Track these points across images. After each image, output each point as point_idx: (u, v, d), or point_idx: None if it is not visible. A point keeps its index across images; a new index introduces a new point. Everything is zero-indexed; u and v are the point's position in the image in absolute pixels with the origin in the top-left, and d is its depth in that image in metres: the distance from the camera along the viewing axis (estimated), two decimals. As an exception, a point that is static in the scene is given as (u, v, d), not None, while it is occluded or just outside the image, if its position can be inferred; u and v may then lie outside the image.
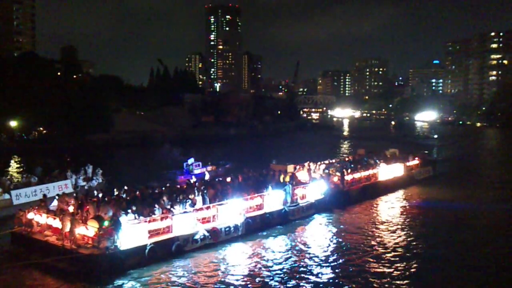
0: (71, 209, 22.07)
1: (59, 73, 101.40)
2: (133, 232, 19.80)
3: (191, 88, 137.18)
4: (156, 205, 21.60)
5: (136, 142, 77.88)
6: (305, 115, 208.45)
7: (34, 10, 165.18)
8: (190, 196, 23.10)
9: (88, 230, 19.56)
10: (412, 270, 20.50)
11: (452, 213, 31.23)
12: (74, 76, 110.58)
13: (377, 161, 40.26)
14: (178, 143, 72.05)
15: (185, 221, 21.79)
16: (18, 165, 55.44)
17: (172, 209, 21.98)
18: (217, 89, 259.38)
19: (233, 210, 24.21)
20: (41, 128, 78.43)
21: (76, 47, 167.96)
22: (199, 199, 23.33)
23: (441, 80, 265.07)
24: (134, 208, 21.15)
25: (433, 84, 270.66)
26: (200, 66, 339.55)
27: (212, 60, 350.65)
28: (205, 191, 24.42)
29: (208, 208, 23.34)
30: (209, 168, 41.91)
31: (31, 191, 27.96)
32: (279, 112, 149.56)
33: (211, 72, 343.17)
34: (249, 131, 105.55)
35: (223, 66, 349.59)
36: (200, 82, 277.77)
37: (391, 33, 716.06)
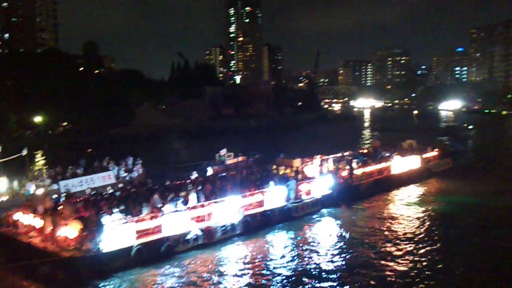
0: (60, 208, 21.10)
1: (81, 68, 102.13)
2: (118, 233, 18.67)
3: (212, 81, 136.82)
4: (144, 204, 20.36)
5: (156, 135, 77.40)
6: (326, 106, 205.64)
7: (56, 7, 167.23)
8: (181, 194, 21.79)
9: (70, 231, 18.48)
10: (428, 271, 18.94)
11: (471, 208, 29.23)
12: (96, 71, 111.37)
13: (392, 153, 38.42)
14: (197, 135, 72.00)
15: (175, 220, 20.55)
16: (44, 160, 55.41)
17: (162, 207, 20.75)
18: (238, 81, 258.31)
19: (229, 208, 22.88)
20: (65, 123, 79.11)
21: (98, 42, 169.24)
22: (192, 196, 21.99)
23: (465, 68, 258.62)
24: (122, 207, 20.01)
25: (457, 72, 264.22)
26: (220, 58, 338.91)
27: (233, 52, 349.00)
28: (199, 188, 23.11)
29: (202, 206, 22.04)
30: (240, 158, 41.55)
31: (77, 182, 29.00)
32: (299, 103, 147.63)
33: (232, 64, 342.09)
34: (269, 122, 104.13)
35: (243, 58, 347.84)
36: (221, 75, 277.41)
37: (413, 21, 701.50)
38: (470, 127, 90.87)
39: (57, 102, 73.55)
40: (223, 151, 40.52)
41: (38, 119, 75.21)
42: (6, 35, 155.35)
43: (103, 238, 18.13)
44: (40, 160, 55.19)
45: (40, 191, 27.18)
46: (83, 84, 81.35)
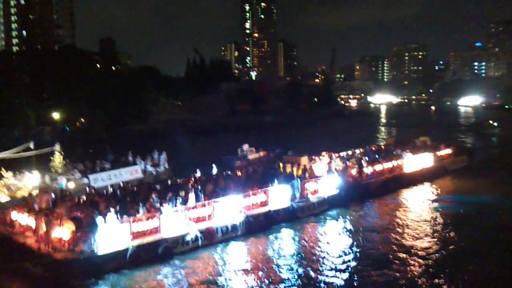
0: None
1: (98, 65, 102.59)
2: (113, 234, 18.08)
3: (227, 77, 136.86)
4: (141, 204, 19.73)
5: (172, 131, 77.03)
6: (342, 101, 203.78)
7: (73, 4, 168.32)
8: (180, 193, 21.10)
9: (64, 232, 17.94)
10: (439, 276, 18.01)
11: (486, 208, 28.04)
12: (113, 68, 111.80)
13: (404, 151, 37.24)
14: (210, 131, 71.67)
15: (174, 220, 19.91)
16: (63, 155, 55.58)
17: (160, 207, 20.10)
18: (253, 77, 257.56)
19: (231, 208, 22.15)
20: (82, 120, 79.47)
21: (114, 39, 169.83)
22: (192, 196, 21.30)
23: (483, 63, 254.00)
24: (119, 207, 19.43)
25: (475, 67, 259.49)
26: (236, 54, 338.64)
27: (248, 48, 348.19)
28: (199, 187, 22.42)
29: (202, 206, 21.34)
30: (261, 153, 41.52)
31: (106, 176, 29.61)
32: (315, 99, 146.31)
33: (247, 60, 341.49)
34: (285, 119, 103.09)
35: (258, 54, 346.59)
36: (236, 71, 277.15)
37: (430, 16, 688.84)
38: (495, 124, 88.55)
39: (74, 99, 73.88)
40: (245, 146, 40.98)
41: (56, 115, 75.60)
42: (24, 32, 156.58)
43: (98, 239, 17.56)
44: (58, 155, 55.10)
45: (71, 185, 27.75)
46: (100, 80, 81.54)
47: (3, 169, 27.65)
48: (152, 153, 35.17)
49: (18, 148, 29.31)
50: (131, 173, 30.88)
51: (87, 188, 24.27)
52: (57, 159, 29.56)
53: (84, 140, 64.94)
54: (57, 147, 29.65)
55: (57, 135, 68.94)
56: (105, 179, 28.98)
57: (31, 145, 29.32)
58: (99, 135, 70.35)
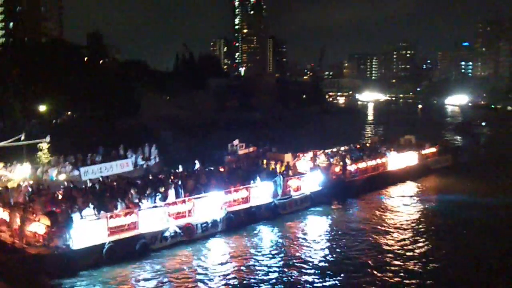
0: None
1: (86, 59, 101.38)
2: (90, 229, 17.78)
3: (216, 72, 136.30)
4: (119, 199, 19.43)
5: (164, 127, 76.22)
6: (330, 99, 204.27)
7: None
8: (160, 189, 20.83)
9: (39, 226, 17.59)
10: (420, 276, 17.90)
11: (467, 207, 28.06)
12: (101, 62, 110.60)
13: (389, 149, 37.30)
14: (204, 128, 71.14)
15: (152, 216, 19.64)
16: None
17: (139, 203, 19.81)
18: (242, 73, 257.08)
19: (211, 204, 21.93)
20: (69, 113, 78.68)
21: (102, 33, 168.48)
22: (172, 192, 21.05)
23: (470, 63, 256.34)
24: (96, 203, 19.12)
25: (463, 66, 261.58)
26: (225, 50, 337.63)
27: (237, 44, 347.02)
28: (179, 183, 22.16)
29: (182, 202, 21.09)
30: (251, 149, 41.39)
31: (97, 168, 29.35)
32: (304, 96, 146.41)
33: (236, 56, 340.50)
34: (274, 115, 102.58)
35: (248, 50, 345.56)
36: (225, 67, 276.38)
37: (419, 15, 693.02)
38: (483, 123, 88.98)
39: (61, 92, 73.13)
40: (235, 141, 40.93)
41: (42, 108, 74.79)
42: (10, 24, 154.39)
43: (73, 235, 17.24)
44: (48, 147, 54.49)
45: (62, 177, 27.48)
46: (88, 74, 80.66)
47: None
48: (143, 146, 35.00)
49: (11, 140, 28.94)
50: (122, 166, 30.68)
51: (65, 183, 23.77)
52: (48, 151, 29.27)
53: (71, 133, 64.33)
54: (47, 139, 29.34)
55: (45, 128, 68.51)
56: (96, 172, 28.68)
57: (22, 137, 28.97)
58: (88, 128, 69.62)
